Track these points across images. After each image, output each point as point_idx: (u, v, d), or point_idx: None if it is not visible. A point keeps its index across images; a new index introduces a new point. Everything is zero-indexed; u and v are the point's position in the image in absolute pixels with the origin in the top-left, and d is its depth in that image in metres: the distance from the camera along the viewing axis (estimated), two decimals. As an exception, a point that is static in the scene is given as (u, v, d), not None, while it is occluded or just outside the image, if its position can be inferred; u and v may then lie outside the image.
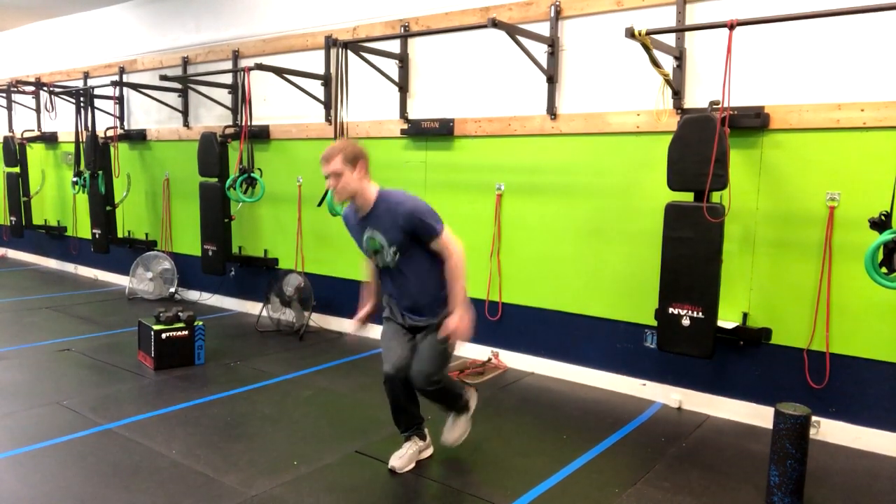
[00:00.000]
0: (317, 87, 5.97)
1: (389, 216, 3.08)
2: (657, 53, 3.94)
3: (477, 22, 4.79)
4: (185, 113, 7.30)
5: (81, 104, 7.62)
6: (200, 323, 5.07)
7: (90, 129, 7.39)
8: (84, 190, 7.49)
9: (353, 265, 6.05)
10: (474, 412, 3.55)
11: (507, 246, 5.12)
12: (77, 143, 7.68)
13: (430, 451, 3.48)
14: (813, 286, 3.87)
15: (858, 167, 3.71)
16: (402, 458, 3.32)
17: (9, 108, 9.11)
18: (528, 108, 4.92)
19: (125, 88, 7.86)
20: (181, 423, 3.91)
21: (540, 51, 4.72)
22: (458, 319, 3.09)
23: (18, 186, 8.80)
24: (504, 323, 5.16)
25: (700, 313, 3.83)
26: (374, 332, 5.89)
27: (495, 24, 4.12)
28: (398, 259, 3.14)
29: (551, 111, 4.78)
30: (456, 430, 3.46)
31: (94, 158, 7.33)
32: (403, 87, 5.55)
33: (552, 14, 4.71)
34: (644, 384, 4.53)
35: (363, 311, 3.45)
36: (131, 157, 7.94)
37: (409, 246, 3.11)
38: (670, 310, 3.92)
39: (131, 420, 3.92)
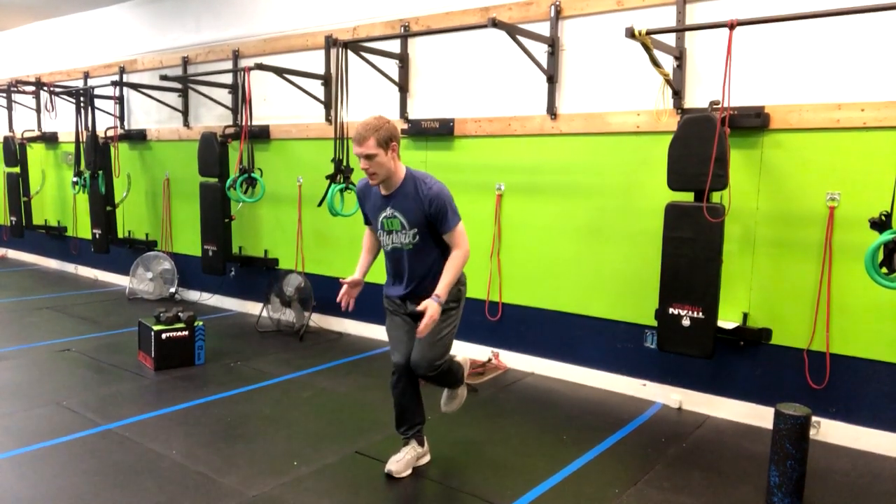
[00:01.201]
0: (317, 87, 5.97)
1: (416, 198, 3.03)
2: (657, 53, 3.94)
3: (477, 22, 4.78)
4: (185, 113, 7.30)
5: (81, 104, 7.61)
6: (200, 323, 5.07)
7: (90, 129, 7.38)
8: (84, 190, 7.49)
9: (353, 265, 6.02)
10: (474, 411, 3.54)
11: (507, 246, 5.12)
12: (77, 143, 7.68)
13: (427, 459, 3.44)
14: (813, 286, 3.87)
15: (858, 167, 3.71)
16: (400, 462, 3.29)
17: (9, 108, 9.10)
18: (528, 108, 4.92)
19: (125, 88, 7.87)
20: (181, 423, 3.91)
21: (540, 51, 4.72)
22: (435, 308, 2.98)
23: (18, 186, 8.80)
24: (504, 323, 5.16)
25: (700, 313, 3.83)
26: (374, 332, 5.90)
27: (495, 24, 4.12)
28: (415, 242, 3.09)
29: (551, 111, 4.78)
30: (454, 400, 3.48)
31: (95, 158, 7.33)
32: (403, 87, 5.55)
33: (552, 14, 4.71)
34: (644, 384, 4.53)
35: (352, 278, 3.35)
36: (131, 157, 7.94)
37: (426, 231, 3.07)
38: (670, 310, 3.92)
39: (131, 420, 3.92)
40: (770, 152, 3.99)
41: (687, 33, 4.20)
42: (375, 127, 2.97)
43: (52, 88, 8.06)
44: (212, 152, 6.37)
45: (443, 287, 3.03)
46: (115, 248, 7.90)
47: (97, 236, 7.67)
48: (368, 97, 5.72)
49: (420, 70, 5.51)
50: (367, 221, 3.37)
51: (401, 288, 3.24)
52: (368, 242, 3.45)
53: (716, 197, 3.89)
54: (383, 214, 3.14)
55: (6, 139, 8.79)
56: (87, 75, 8.41)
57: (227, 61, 6.84)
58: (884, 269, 3.04)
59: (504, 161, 5.09)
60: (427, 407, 3.41)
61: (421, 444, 3.40)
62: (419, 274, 3.16)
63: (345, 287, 3.34)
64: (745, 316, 4.12)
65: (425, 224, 3.06)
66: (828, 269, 3.80)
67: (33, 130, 8.97)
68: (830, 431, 3.86)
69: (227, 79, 6.68)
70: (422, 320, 2.98)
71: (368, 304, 5.97)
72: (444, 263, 3.11)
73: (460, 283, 3.22)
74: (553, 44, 4.71)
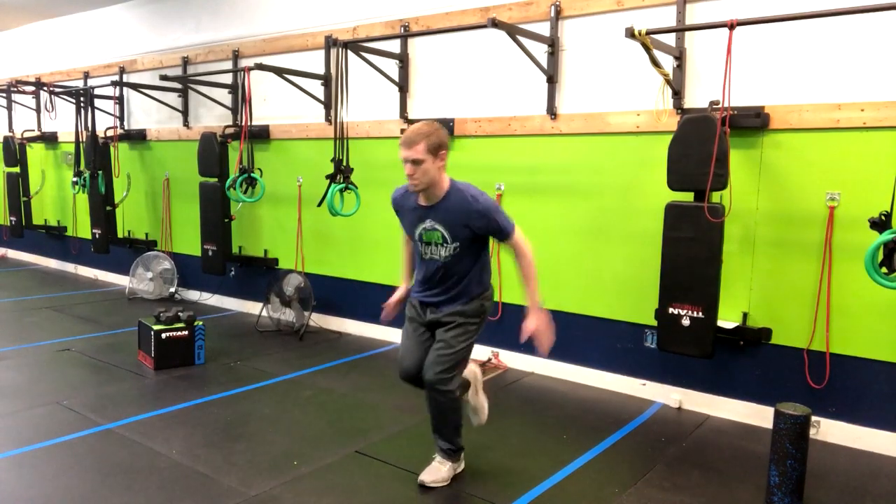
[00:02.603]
0: (317, 87, 5.97)
1: (460, 212, 2.93)
2: (657, 53, 3.94)
3: (477, 22, 4.78)
4: (185, 113, 7.30)
5: (81, 104, 7.61)
6: (200, 323, 5.07)
7: (90, 129, 7.38)
8: (84, 190, 7.49)
9: (354, 265, 6.06)
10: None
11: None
12: (77, 143, 7.68)
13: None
14: (813, 286, 3.87)
15: (858, 167, 3.71)
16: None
17: (9, 108, 9.10)
18: (528, 108, 4.92)
19: (125, 88, 7.86)
20: (181, 423, 3.91)
21: (540, 51, 4.72)
22: (540, 320, 2.97)
23: (18, 186, 8.80)
24: (504, 323, 5.15)
25: (700, 313, 3.83)
26: (374, 332, 5.90)
27: (495, 24, 4.12)
28: (454, 254, 3.00)
29: (551, 111, 4.78)
30: (438, 473, 3.19)
31: (94, 158, 7.32)
32: (403, 87, 5.55)
33: (552, 14, 4.71)
34: (644, 384, 4.53)
35: (397, 296, 3.32)
36: (131, 157, 7.94)
37: (469, 244, 2.99)
38: (670, 310, 3.92)
39: (131, 420, 3.92)
40: (770, 152, 3.99)
41: (687, 33, 4.20)
42: (427, 132, 2.88)
43: (52, 88, 8.06)
44: (212, 152, 6.37)
45: (534, 299, 3.03)
46: (114, 248, 7.90)
47: (97, 236, 7.67)
48: (368, 97, 5.72)
49: (420, 70, 5.51)
50: (406, 231, 3.27)
51: (429, 294, 3.13)
52: (408, 249, 3.35)
53: (715, 197, 3.89)
54: (422, 226, 3.03)
55: (6, 139, 8.79)
56: (87, 75, 8.41)
57: (226, 61, 6.84)
58: (884, 269, 3.04)
59: (504, 161, 5.09)
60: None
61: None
62: (452, 283, 3.06)
63: (390, 307, 3.32)
64: (745, 316, 4.12)
65: (469, 238, 2.98)
66: (828, 268, 3.80)
67: (33, 130, 8.97)
68: (830, 431, 3.86)
69: (227, 79, 6.68)
70: (527, 330, 3.00)
71: (368, 303, 5.99)
72: (479, 270, 3.08)
73: (484, 297, 3.15)
74: (553, 44, 4.71)
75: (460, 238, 2.97)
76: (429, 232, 3.03)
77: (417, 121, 5.38)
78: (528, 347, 5.05)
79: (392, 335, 5.77)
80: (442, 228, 2.98)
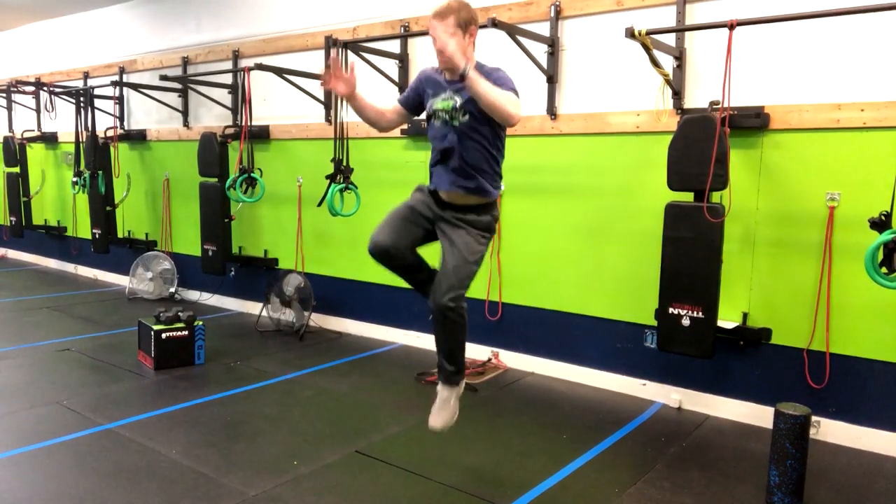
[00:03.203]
0: (317, 87, 5.97)
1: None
2: (657, 53, 3.95)
3: (477, 22, 4.78)
4: (185, 113, 7.30)
5: (81, 104, 7.61)
6: (200, 323, 5.07)
7: (90, 129, 7.38)
8: (84, 190, 7.49)
9: (353, 265, 6.06)
10: (474, 411, 3.52)
11: (506, 246, 5.12)
12: (77, 143, 7.68)
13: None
14: (813, 286, 3.87)
15: (858, 167, 3.71)
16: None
17: (9, 108, 9.11)
18: (528, 108, 4.89)
19: (125, 88, 7.86)
20: (181, 423, 3.91)
21: (540, 51, 4.72)
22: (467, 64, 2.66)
23: (18, 186, 8.79)
24: (504, 323, 5.15)
25: (700, 313, 3.83)
26: (374, 332, 5.90)
27: (495, 24, 4.12)
28: (464, 120, 2.87)
29: (551, 111, 4.78)
30: (444, 412, 3.08)
31: (94, 158, 7.32)
32: (403, 87, 5.54)
33: (552, 14, 4.71)
34: (644, 384, 4.53)
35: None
36: (131, 157, 7.94)
37: (479, 113, 2.83)
38: (670, 310, 3.92)
39: (131, 420, 3.92)
40: (770, 152, 3.99)
41: (687, 33, 4.20)
42: (457, 7, 2.80)
43: (51, 88, 8.06)
44: (212, 152, 6.37)
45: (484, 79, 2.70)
46: (114, 248, 7.90)
47: (97, 236, 7.67)
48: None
49: (419, 70, 5.50)
50: (405, 101, 3.16)
51: (442, 176, 2.98)
52: (381, 105, 3.20)
53: (715, 197, 3.89)
54: (440, 97, 2.94)
55: (6, 139, 8.78)
56: (86, 75, 8.41)
57: (226, 61, 6.84)
58: (884, 269, 3.04)
59: (504, 161, 5.07)
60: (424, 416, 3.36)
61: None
62: (464, 161, 2.91)
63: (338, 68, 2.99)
64: (745, 316, 4.12)
65: (480, 109, 2.79)
66: (828, 269, 3.80)
67: (33, 130, 8.97)
68: (830, 431, 3.86)
69: (227, 79, 6.68)
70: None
71: (368, 304, 6.00)
72: (491, 158, 2.96)
73: (494, 210, 3.03)
74: (553, 44, 4.71)
75: (473, 105, 2.82)
76: (444, 101, 2.94)
77: (417, 121, 5.43)
78: (529, 347, 5.08)
79: (392, 335, 5.77)
80: (457, 96, 2.89)
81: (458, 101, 2.91)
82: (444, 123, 2.97)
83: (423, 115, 3.13)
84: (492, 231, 3.09)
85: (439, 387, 3.13)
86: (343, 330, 6.16)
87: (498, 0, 4.96)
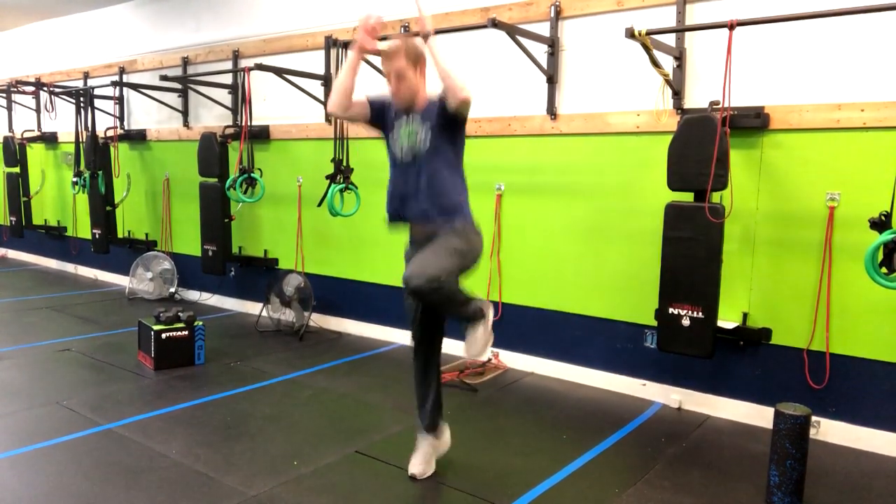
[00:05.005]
0: (317, 87, 5.97)
1: (431, 103, 2.98)
2: (657, 53, 3.95)
3: (477, 22, 4.78)
4: (185, 113, 7.30)
5: (81, 104, 7.62)
6: (200, 323, 5.07)
7: (90, 129, 7.38)
8: (84, 190, 7.49)
9: (354, 265, 6.06)
10: (474, 411, 3.52)
11: (506, 246, 5.12)
12: (77, 143, 7.68)
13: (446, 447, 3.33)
14: (813, 286, 3.87)
15: (858, 167, 3.71)
16: (418, 460, 3.22)
17: (9, 108, 9.10)
18: (528, 108, 4.92)
19: (125, 88, 7.86)
20: (181, 423, 3.91)
21: (540, 51, 4.72)
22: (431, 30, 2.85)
23: (18, 186, 8.80)
24: (504, 323, 5.15)
25: (700, 313, 3.83)
26: (374, 332, 5.90)
27: (495, 24, 4.12)
28: (426, 148, 2.97)
29: (551, 111, 4.78)
30: (476, 342, 3.03)
31: (94, 158, 7.33)
32: (403, 87, 5.54)
33: (552, 14, 4.71)
34: (644, 384, 4.53)
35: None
36: (131, 157, 7.94)
37: (440, 135, 2.95)
38: (670, 310, 3.92)
39: (131, 420, 3.92)
40: (770, 152, 3.99)
41: (687, 33, 4.20)
42: (404, 46, 2.92)
43: (51, 88, 8.06)
44: (212, 152, 6.37)
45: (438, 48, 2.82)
46: (114, 248, 7.90)
47: (97, 236, 7.67)
48: (368, 97, 5.71)
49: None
50: (373, 103, 3.22)
51: (410, 204, 3.08)
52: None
53: (716, 197, 3.89)
54: (405, 129, 3.04)
55: (6, 139, 8.78)
56: (87, 75, 8.41)
57: (226, 61, 6.84)
58: (884, 269, 3.04)
59: (504, 161, 5.09)
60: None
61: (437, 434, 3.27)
62: (432, 188, 3.00)
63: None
64: (745, 316, 4.12)
65: (440, 125, 2.93)
66: (828, 269, 3.81)
67: (33, 130, 8.97)
68: (830, 431, 3.86)
69: (227, 79, 6.68)
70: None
71: (368, 303, 6.00)
72: (458, 179, 3.08)
73: (468, 220, 3.11)
74: (553, 44, 4.71)
75: (433, 124, 2.94)
76: (410, 134, 3.03)
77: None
78: (529, 347, 5.08)
79: (392, 335, 5.77)
80: (418, 123, 3.00)
81: (419, 124, 2.99)
82: (407, 151, 3.06)
83: (382, 135, 3.21)
84: (472, 234, 3.10)
85: (468, 328, 3.07)
86: (343, 330, 6.16)
87: (498, 0, 4.96)
